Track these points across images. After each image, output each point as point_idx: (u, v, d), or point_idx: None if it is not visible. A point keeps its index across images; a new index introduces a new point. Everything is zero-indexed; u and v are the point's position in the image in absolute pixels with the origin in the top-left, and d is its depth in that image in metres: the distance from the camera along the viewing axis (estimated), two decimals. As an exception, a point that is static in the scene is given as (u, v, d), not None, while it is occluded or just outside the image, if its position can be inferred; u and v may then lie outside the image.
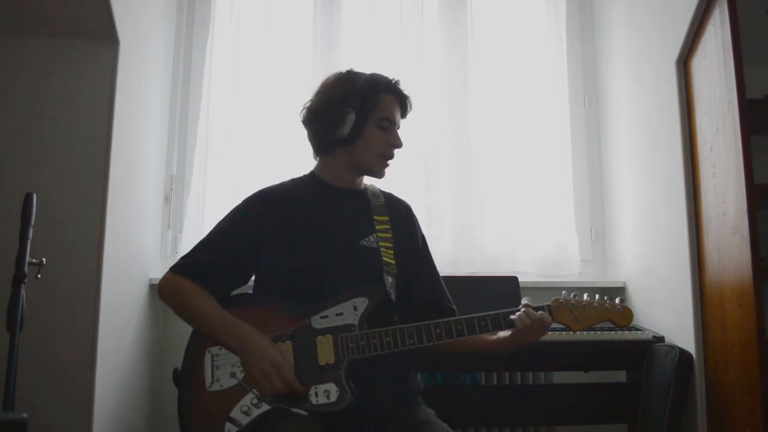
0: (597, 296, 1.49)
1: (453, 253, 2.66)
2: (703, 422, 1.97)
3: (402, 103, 1.60)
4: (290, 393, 1.37)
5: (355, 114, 1.52)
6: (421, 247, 1.69)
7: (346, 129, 1.52)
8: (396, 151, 1.61)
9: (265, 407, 1.37)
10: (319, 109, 1.57)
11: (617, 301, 1.49)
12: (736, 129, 1.82)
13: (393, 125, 1.58)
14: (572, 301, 1.47)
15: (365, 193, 1.66)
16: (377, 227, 1.59)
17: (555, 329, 2.09)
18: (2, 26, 1.87)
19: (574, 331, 1.47)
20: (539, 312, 1.45)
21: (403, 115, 1.63)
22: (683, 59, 2.13)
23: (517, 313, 1.45)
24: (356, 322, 1.43)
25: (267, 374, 1.36)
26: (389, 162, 1.61)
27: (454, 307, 1.65)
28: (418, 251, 1.68)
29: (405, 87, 1.61)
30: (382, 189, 1.72)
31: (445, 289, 1.68)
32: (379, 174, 1.61)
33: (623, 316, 1.48)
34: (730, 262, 1.85)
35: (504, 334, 1.48)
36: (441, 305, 1.64)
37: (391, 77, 1.60)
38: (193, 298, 1.46)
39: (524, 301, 1.48)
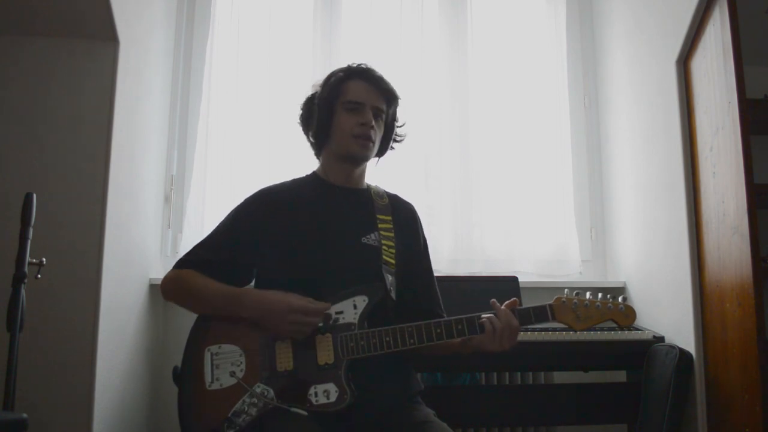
0: (600, 295, 1.47)
1: (453, 253, 2.66)
2: (703, 422, 1.97)
3: (375, 85, 1.59)
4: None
5: (322, 108, 1.56)
6: (422, 250, 1.69)
7: (316, 123, 1.57)
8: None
9: (264, 407, 1.37)
10: (301, 116, 1.65)
11: (620, 300, 1.47)
12: (736, 129, 1.82)
13: (362, 106, 1.57)
14: (575, 300, 1.44)
15: (368, 192, 1.66)
16: (380, 226, 1.59)
17: (555, 329, 2.09)
18: (2, 26, 1.87)
19: (576, 331, 1.45)
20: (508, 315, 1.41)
21: (385, 96, 1.60)
22: (683, 59, 2.13)
23: (486, 316, 1.41)
24: (356, 321, 1.43)
25: (296, 321, 1.38)
26: (368, 143, 1.57)
27: (444, 315, 1.63)
28: (419, 254, 1.68)
29: (373, 69, 1.62)
30: (387, 190, 1.72)
31: (439, 295, 1.68)
32: (358, 154, 1.58)
33: (626, 316, 1.45)
34: (730, 262, 1.85)
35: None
36: (432, 312, 1.62)
37: (356, 64, 1.62)
38: (195, 282, 1.48)
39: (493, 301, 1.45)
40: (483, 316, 1.42)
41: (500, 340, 1.40)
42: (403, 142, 1.72)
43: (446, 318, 1.44)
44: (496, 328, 1.40)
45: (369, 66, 1.62)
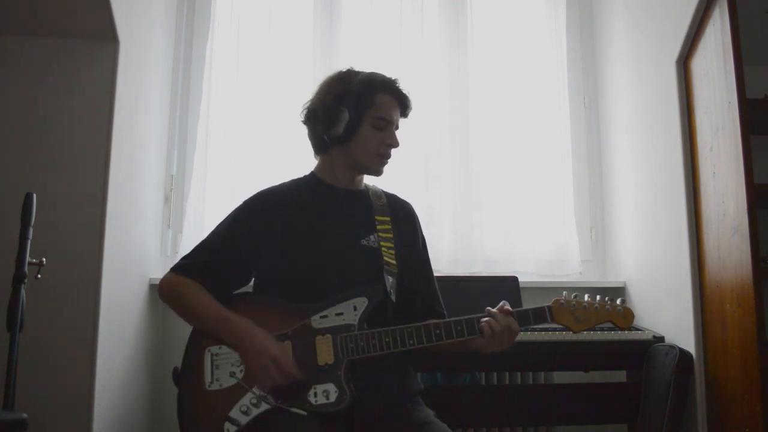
0: (598, 297, 1.48)
1: (453, 253, 2.66)
2: (703, 422, 1.97)
3: (401, 102, 1.60)
4: (291, 386, 1.37)
5: (350, 113, 1.52)
6: (421, 248, 1.69)
7: (341, 128, 1.53)
8: (396, 151, 1.61)
9: (264, 407, 1.37)
10: (316, 109, 1.58)
11: (618, 302, 1.47)
12: (736, 129, 1.82)
13: (390, 124, 1.57)
14: (573, 302, 1.45)
15: (366, 193, 1.66)
16: (378, 227, 1.59)
17: (555, 329, 2.10)
18: (2, 25, 1.87)
19: (575, 333, 1.46)
20: (507, 318, 1.41)
21: (404, 113, 1.62)
22: (683, 59, 2.13)
23: (485, 319, 1.42)
24: (356, 323, 1.43)
25: (266, 368, 1.36)
26: (387, 160, 1.60)
27: (445, 312, 1.65)
28: (419, 253, 1.68)
29: (404, 86, 1.60)
30: (385, 189, 1.72)
31: (439, 293, 1.68)
32: (376, 172, 1.61)
33: (624, 318, 1.46)
34: (730, 262, 1.85)
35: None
36: (433, 309, 1.63)
37: (389, 76, 1.59)
38: (191, 296, 1.47)
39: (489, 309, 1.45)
40: (483, 319, 1.42)
41: (499, 343, 1.41)
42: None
43: (446, 319, 1.45)
44: (495, 331, 1.40)
45: (397, 80, 1.60)
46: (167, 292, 1.51)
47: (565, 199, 2.76)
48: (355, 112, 1.53)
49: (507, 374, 2.46)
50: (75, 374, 1.79)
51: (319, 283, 1.48)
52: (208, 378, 1.41)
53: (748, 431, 1.75)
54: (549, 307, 1.45)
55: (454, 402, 2.19)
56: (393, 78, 1.59)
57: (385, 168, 1.62)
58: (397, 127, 1.61)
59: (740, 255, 1.79)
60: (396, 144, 1.59)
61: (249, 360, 1.38)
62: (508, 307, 1.44)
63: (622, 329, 1.48)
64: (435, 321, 1.44)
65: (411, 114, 1.64)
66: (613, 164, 2.71)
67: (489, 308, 1.44)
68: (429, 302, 1.64)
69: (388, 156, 1.60)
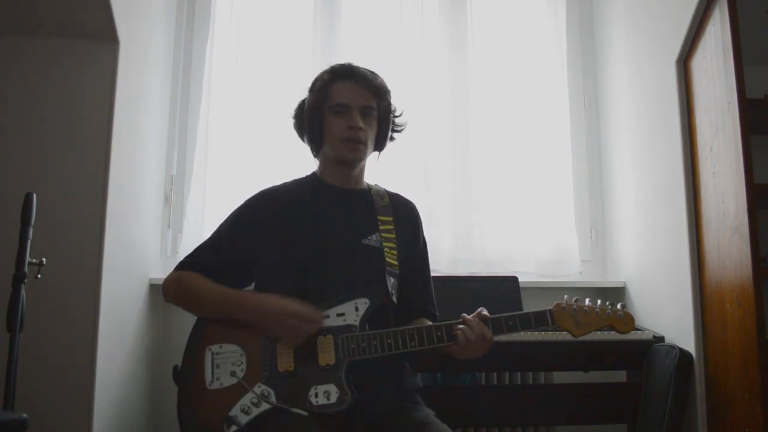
0: (599, 301, 1.48)
1: (453, 253, 2.66)
2: (703, 422, 1.97)
3: (358, 81, 1.56)
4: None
5: (314, 113, 1.56)
6: (422, 249, 1.69)
7: (314, 131, 1.57)
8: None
9: (264, 407, 1.37)
10: (294, 121, 1.66)
11: (619, 306, 1.47)
12: (736, 129, 1.82)
13: (348, 108, 1.54)
14: (574, 306, 1.45)
15: (368, 193, 1.66)
16: (381, 227, 1.59)
17: (555, 328, 2.09)
18: (2, 25, 1.87)
19: (576, 337, 1.46)
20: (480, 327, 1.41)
21: (374, 92, 1.57)
22: (683, 59, 2.13)
23: (460, 327, 1.42)
24: (357, 323, 1.43)
25: (291, 326, 1.38)
26: (358, 146, 1.55)
27: (437, 313, 1.66)
28: (419, 252, 1.68)
29: (358, 67, 1.59)
30: (388, 189, 1.72)
31: (433, 294, 1.68)
32: (348, 158, 1.57)
33: (625, 323, 1.46)
34: (730, 262, 1.85)
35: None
36: (426, 310, 1.64)
37: (338, 64, 1.61)
38: (196, 284, 1.48)
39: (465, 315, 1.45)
40: (458, 326, 1.42)
41: (473, 350, 1.41)
42: (404, 131, 1.68)
43: (447, 321, 1.44)
44: (468, 339, 1.40)
45: (353, 65, 1.60)
46: (172, 288, 1.52)
47: (565, 199, 2.75)
48: (318, 110, 1.56)
49: (507, 374, 2.46)
50: (75, 374, 1.79)
51: (321, 283, 1.48)
52: (208, 377, 1.41)
53: (748, 431, 1.75)
54: (550, 311, 1.45)
55: (454, 402, 2.20)
56: (343, 64, 1.60)
57: (361, 155, 1.57)
58: (371, 108, 1.56)
59: (740, 255, 1.79)
60: (356, 123, 1.53)
61: (272, 327, 1.40)
62: (485, 313, 1.44)
63: (622, 333, 1.48)
64: (436, 323, 1.44)
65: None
66: (613, 164, 2.71)
67: (464, 315, 1.44)
68: (423, 303, 1.65)
69: (355, 140, 1.54)
